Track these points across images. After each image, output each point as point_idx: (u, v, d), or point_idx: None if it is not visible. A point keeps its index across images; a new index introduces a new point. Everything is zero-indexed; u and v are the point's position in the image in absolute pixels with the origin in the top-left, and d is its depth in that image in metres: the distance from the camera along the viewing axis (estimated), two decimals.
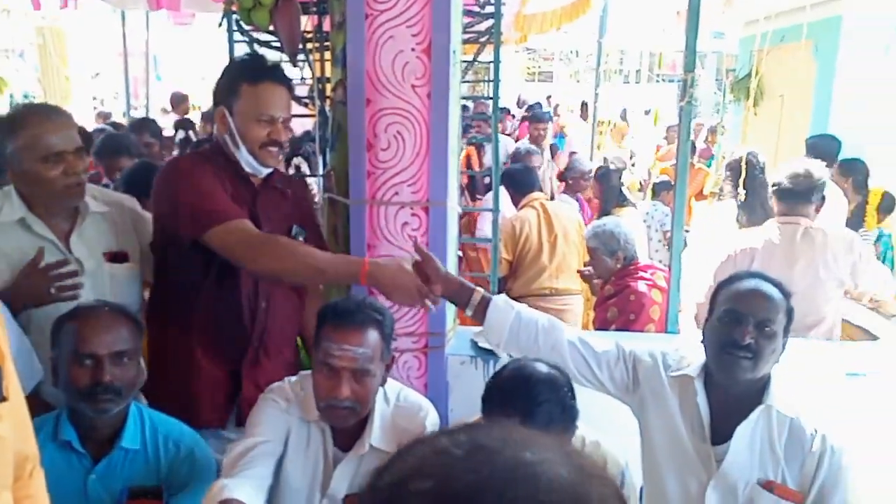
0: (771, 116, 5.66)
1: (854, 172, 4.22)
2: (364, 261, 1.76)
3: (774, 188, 2.93)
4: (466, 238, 3.95)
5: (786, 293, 1.62)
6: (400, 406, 1.79)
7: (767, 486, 1.59)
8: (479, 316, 1.73)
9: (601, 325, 3.07)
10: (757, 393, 1.62)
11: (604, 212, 4.13)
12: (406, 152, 2.12)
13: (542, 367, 1.52)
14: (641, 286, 2.99)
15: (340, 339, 1.61)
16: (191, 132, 5.41)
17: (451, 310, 2.44)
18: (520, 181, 3.98)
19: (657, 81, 11.69)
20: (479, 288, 1.76)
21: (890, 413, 2.17)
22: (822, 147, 4.17)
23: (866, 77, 4.77)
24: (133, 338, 1.70)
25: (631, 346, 1.79)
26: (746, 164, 3.38)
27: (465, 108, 7.20)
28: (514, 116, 9.74)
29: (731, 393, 1.63)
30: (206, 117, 6.33)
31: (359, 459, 1.72)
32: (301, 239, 1.98)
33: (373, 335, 1.64)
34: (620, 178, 4.57)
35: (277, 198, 2.02)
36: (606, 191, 4.31)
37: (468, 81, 4.46)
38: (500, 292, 3.78)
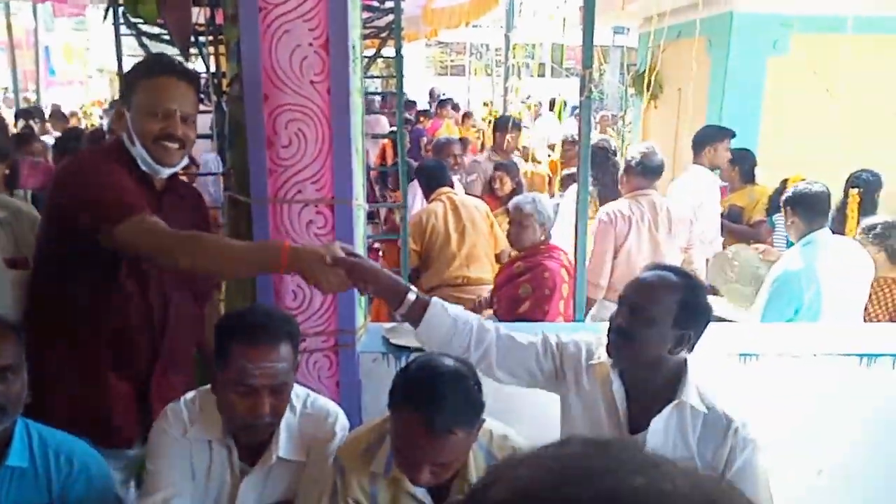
0: (670, 110, 5.91)
1: (742, 161, 4.45)
2: (283, 244, 1.65)
3: (630, 165, 3.47)
4: (375, 235, 3.94)
5: (685, 286, 1.65)
6: (307, 413, 1.76)
7: None
8: (414, 317, 1.70)
9: (511, 302, 3.13)
10: (671, 386, 1.67)
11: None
12: (308, 149, 2.08)
13: (448, 361, 1.53)
14: (553, 264, 3.12)
15: (258, 357, 1.57)
16: (31, 121, 5.10)
17: (361, 306, 2.42)
18: (430, 176, 4.05)
19: (566, 76, 11.98)
20: (413, 287, 1.74)
21: (781, 393, 2.31)
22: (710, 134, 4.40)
23: (757, 71, 5.04)
24: (18, 351, 1.60)
25: (556, 335, 1.84)
26: (599, 149, 3.71)
27: (384, 99, 7.14)
28: (428, 110, 9.76)
29: (646, 384, 1.69)
30: (108, 113, 6.06)
31: (266, 471, 1.68)
32: None
33: (286, 348, 1.62)
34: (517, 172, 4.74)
35: (180, 203, 1.95)
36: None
37: (373, 77, 4.42)
38: (411, 284, 3.80)
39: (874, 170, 4.10)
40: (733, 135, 4.21)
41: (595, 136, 3.81)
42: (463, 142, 7.39)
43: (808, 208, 2.97)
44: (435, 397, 1.44)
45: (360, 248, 2.32)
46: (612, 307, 1.79)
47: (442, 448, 1.44)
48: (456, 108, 9.76)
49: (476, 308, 3.26)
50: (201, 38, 2.62)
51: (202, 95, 2.68)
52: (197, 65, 2.65)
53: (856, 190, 3.99)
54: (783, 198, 3.09)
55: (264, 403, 1.57)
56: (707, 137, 4.18)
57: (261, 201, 2.08)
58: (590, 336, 1.86)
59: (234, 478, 1.68)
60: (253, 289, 2.13)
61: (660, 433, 1.65)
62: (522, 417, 1.95)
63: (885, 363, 2.31)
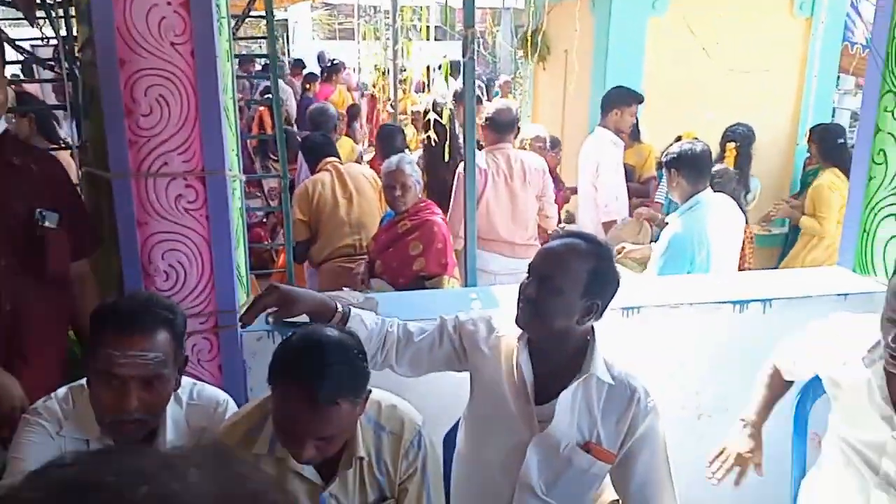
0: (558, 71, 5.96)
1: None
2: None
3: (486, 121, 3.64)
4: (257, 207, 3.80)
5: (595, 254, 1.64)
6: (194, 404, 1.67)
7: (585, 447, 1.69)
8: None
9: (403, 263, 3.11)
10: (578, 357, 1.69)
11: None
12: (172, 117, 1.93)
13: (331, 332, 1.48)
14: (438, 219, 3.20)
15: (125, 344, 1.45)
16: None
17: (242, 284, 2.31)
18: (314, 149, 3.98)
19: (456, 38, 11.87)
20: (340, 304, 1.75)
21: (663, 343, 2.40)
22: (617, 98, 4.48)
23: (638, 31, 5.16)
24: None
25: (455, 318, 1.83)
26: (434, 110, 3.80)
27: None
28: (314, 73, 9.40)
29: (553, 355, 1.69)
30: None
31: None
32: (50, 224, 1.74)
33: (163, 336, 1.50)
34: (404, 137, 4.68)
35: (11, 174, 1.76)
36: (385, 146, 4.37)
37: (245, 38, 4.21)
38: (302, 257, 3.68)
39: (748, 124, 4.31)
40: (641, 100, 4.24)
41: (500, 102, 3.87)
42: (353, 109, 7.23)
43: (692, 169, 3.02)
44: (317, 366, 1.38)
45: (237, 222, 2.20)
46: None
47: (326, 420, 1.38)
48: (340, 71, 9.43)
49: (362, 280, 3.21)
50: (49, 0, 2.38)
51: (52, 63, 2.46)
52: (45, 29, 2.41)
53: (733, 144, 4.19)
54: (664, 159, 3.15)
55: (132, 397, 1.45)
56: (614, 100, 4.19)
57: (122, 176, 1.93)
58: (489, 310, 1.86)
59: None
60: (119, 270, 1.98)
61: (566, 405, 1.67)
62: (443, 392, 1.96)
63: (756, 308, 2.45)
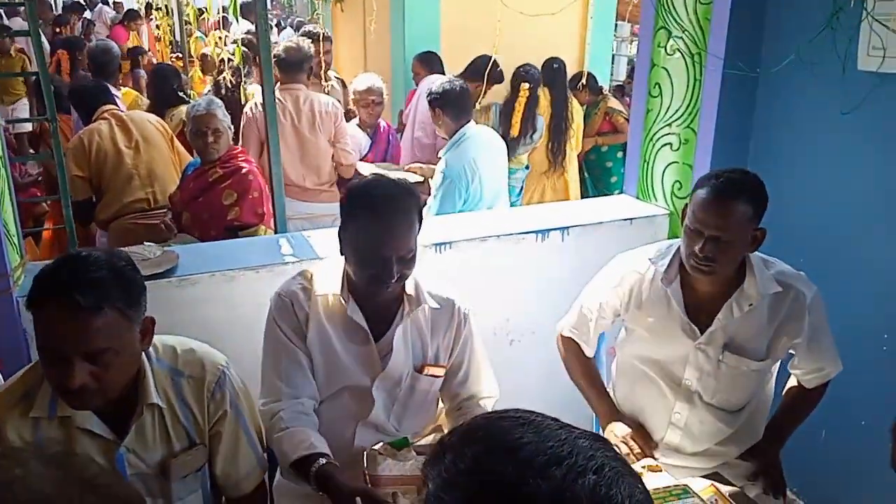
0: (356, 12, 5.83)
1: (429, 63, 4.61)
2: None
3: (275, 59, 3.38)
4: (21, 158, 3.34)
5: (409, 193, 1.66)
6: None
7: (420, 369, 1.77)
8: None
9: (216, 213, 2.92)
10: (401, 297, 1.72)
11: (157, 111, 3.86)
12: None
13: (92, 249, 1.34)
14: (251, 166, 3.03)
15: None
16: None
17: (12, 244, 2.02)
18: (85, 97, 3.59)
19: None
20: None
21: (475, 275, 2.48)
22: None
23: None
24: None
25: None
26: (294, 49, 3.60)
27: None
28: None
29: (377, 301, 1.69)
30: None
31: None
32: None
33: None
34: (179, 78, 4.38)
35: None
36: (160, 90, 4.09)
37: None
38: (86, 217, 3.31)
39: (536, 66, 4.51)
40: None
41: (289, 40, 3.68)
42: (135, 51, 6.55)
43: (455, 105, 3.18)
44: (74, 274, 1.26)
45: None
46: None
47: (91, 329, 1.24)
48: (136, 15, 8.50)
49: (165, 237, 2.94)
50: None
51: None
52: None
53: (526, 85, 4.37)
54: (429, 99, 3.24)
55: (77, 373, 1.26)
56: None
57: None
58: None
59: None
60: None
61: (400, 339, 1.72)
62: None
63: (555, 236, 2.60)
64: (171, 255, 2.25)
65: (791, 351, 1.90)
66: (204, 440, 1.48)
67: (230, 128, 3.03)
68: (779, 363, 1.95)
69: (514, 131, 4.33)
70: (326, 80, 4.16)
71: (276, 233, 2.74)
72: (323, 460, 1.53)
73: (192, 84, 4.93)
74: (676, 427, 1.93)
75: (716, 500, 1.67)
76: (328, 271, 1.75)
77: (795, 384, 2.02)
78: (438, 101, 3.18)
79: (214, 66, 4.35)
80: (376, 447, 1.62)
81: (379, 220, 1.58)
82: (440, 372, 1.79)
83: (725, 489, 1.71)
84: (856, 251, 2.29)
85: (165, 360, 1.45)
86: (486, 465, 0.62)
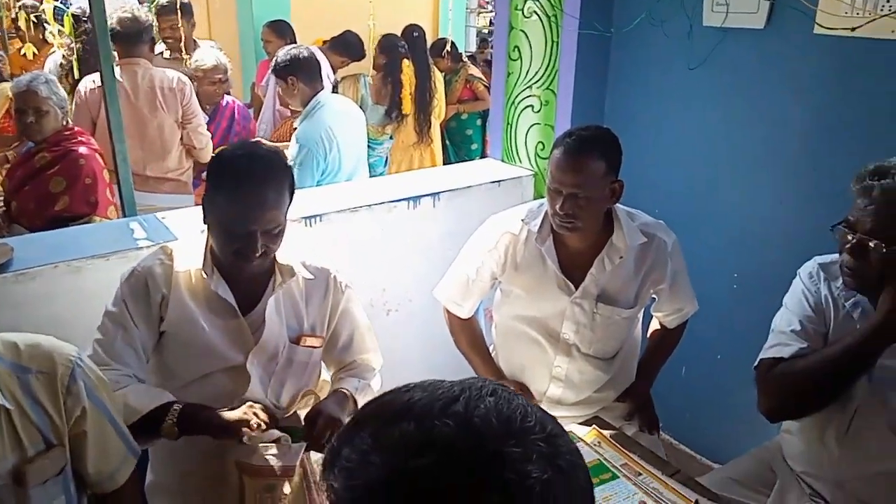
0: None
1: (283, 32, 4.42)
2: None
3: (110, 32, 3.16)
4: None
5: (280, 163, 1.57)
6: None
7: (297, 340, 1.68)
8: None
9: (42, 200, 2.65)
10: (268, 272, 1.64)
11: None
12: None
13: None
14: (86, 150, 2.74)
15: None
16: None
17: None
18: None
19: None
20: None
21: (348, 246, 2.41)
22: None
23: None
24: None
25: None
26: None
27: None
28: None
29: (246, 274, 1.59)
30: None
31: None
32: None
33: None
34: None
35: None
36: None
37: None
38: None
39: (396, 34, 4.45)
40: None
41: (123, 10, 3.31)
42: None
43: (307, 73, 3.03)
44: None
45: None
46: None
47: None
48: None
49: None
50: None
51: None
52: None
53: (407, 61, 4.30)
54: (276, 69, 3.06)
55: None
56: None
57: None
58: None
59: None
60: None
61: (273, 312, 1.63)
62: None
63: (427, 202, 2.58)
64: (3, 249, 2.00)
65: (654, 295, 2.00)
66: (62, 440, 1.33)
67: (61, 107, 2.73)
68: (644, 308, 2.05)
69: (406, 105, 4.26)
70: (187, 55, 3.74)
71: (124, 216, 2.52)
72: (179, 404, 1.49)
73: (7, 61, 4.40)
74: (558, 380, 1.99)
75: (598, 442, 1.73)
76: (190, 245, 1.63)
77: (658, 326, 2.14)
78: (289, 70, 3.00)
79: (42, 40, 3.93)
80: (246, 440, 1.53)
81: (245, 192, 1.48)
82: (318, 343, 1.73)
83: (606, 432, 1.78)
84: (707, 199, 2.44)
85: (7, 358, 1.28)
86: (387, 434, 0.59)
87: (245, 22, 5.10)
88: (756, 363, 1.62)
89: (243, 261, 1.52)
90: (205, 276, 1.57)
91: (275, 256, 1.62)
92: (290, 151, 3.01)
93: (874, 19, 1.85)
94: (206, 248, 1.59)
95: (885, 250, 1.40)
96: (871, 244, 1.41)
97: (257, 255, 1.50)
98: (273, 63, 3.12)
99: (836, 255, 1.63)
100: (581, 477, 0.61)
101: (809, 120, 2.12)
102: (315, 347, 1.72)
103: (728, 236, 2.40)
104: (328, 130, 2.98)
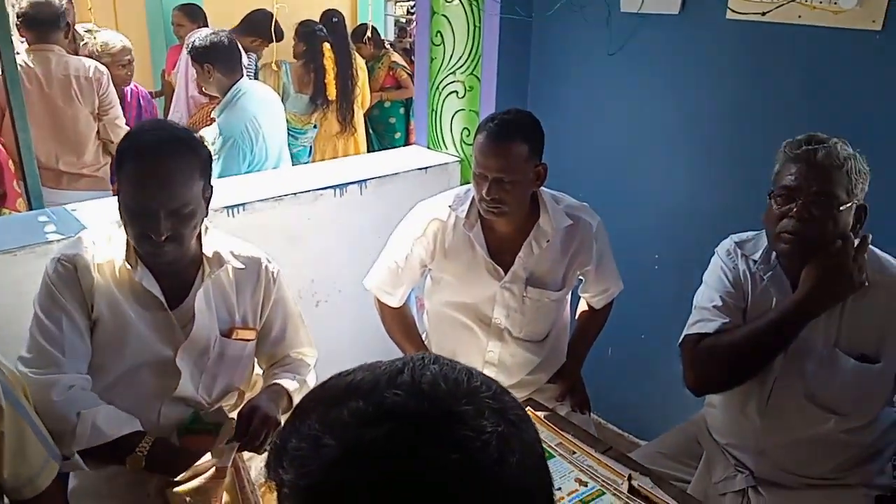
0: None
1: (195, 16, 4.26)
2: None
3: (20, 18, 3.01)
4: None
5: (189, 140, 1.48)
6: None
7: (229, 333, 1.63)
8: None
9: None
10: (199, 260, 1.58)
11: None
12: None
13: None
14: None
15: None
16: None
17: None
18: None
19: None
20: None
21: (273, 235, 2.34)
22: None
23: None
24: None
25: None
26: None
27: None
28: None
29: (170, 265, 1.52)
30: None
31: None
32: None
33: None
34: None
35: None
36: None
37: None
38: None
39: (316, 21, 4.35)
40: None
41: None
42: None
43: (226, 60, 2.90)
44: None
45: None
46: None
47: None
48: None
49: None
50: None
51: None
52: None
53: (328, 45, 4.18)
54: (191, 54, 2.93)
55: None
56: None
57: None
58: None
59: None
60: None
61: (202, 302, 1.57)
62: None
63: (354, 190, 2.54)
64: None
65: (581, 276, 2.04)
66: None
67: None
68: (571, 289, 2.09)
69: (332, 91, 4.15)
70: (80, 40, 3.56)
71: (30, 209, 2.37)
72: (150, 438, 1.44)
73: None
74: (491, 364, 2.00)
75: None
76: (111, 235, 1.55)
77: (586, 307, 2.18)
78: (206, 56, 2.86)
79: None
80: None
81: (149, 167, 1.40)
82: (251, 335, 1.67)
83: (540, 413, 1.81)
84: (628, 181, 2.51)
85: None
86: (336, 415, 0.58)
87: (153, 5, 4.88)
88: (680, 340, 1.67)
89: (150, 245, 1.43)
90: (128, 267, 1.49)
91: (201, 245, 1.56)
92: (208, 138, 2.87)
93: (782, 4, 1.93)
94: (126, 239, 1.51)
95: (838, 210, 1.44)
96: (817, 204, 1.44)
97: (163, 237, 1.41)
98: (188, 47, 2.98)
99: (751, 233, 1.70)
100: (531, 429, 0.62)
101: (724, 104, 2.19)
102: (248, 340, 1.67)
103: (648, 218, 2.47)
104: (253, 121, 2.88)
